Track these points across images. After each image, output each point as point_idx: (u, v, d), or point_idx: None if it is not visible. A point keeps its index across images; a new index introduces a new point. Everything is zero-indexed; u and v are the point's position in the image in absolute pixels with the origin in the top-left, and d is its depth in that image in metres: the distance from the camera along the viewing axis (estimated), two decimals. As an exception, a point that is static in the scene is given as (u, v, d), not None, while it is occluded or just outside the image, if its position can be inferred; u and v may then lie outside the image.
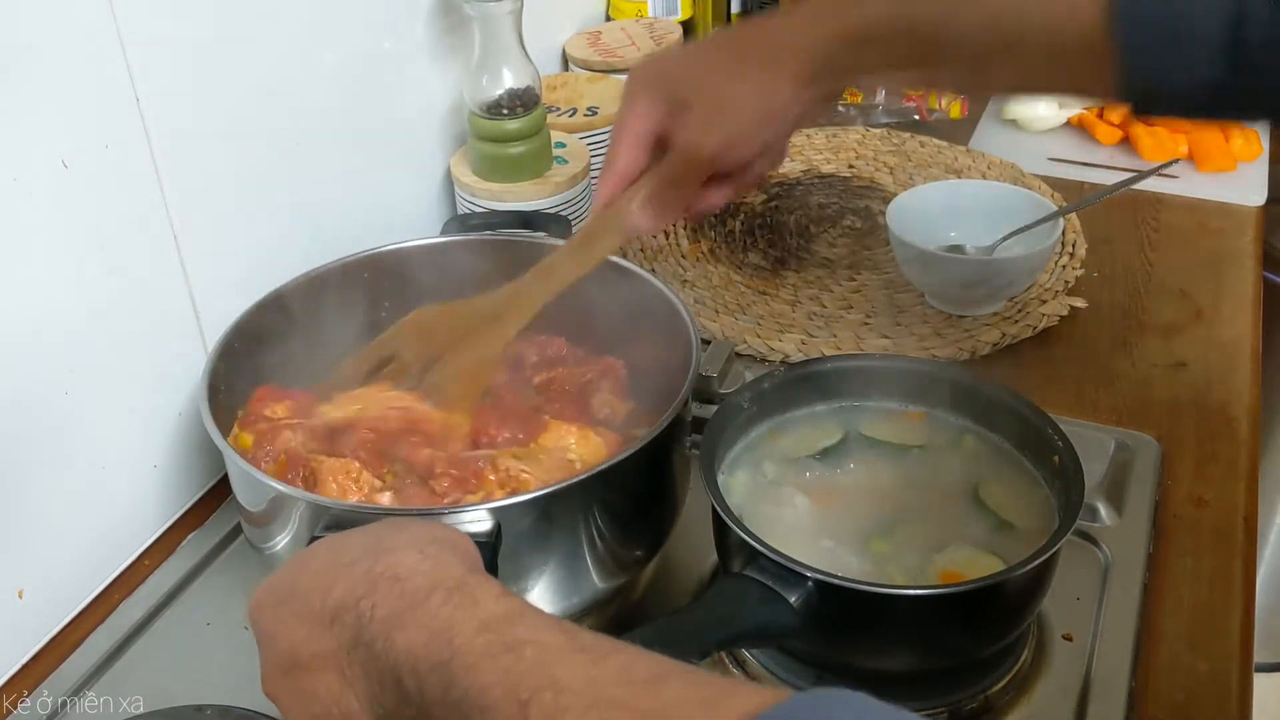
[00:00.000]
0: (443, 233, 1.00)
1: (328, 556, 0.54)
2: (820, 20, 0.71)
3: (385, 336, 0.84)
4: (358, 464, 0.74)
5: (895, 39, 0.70)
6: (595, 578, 0.74)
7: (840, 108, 1.40)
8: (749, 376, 0.89)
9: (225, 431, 0.75)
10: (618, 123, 0.74)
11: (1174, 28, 0.61)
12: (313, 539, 0.63)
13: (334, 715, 0.50)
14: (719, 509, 0.70)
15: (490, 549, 0.65)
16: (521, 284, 0.79)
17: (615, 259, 0.91)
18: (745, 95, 0.71)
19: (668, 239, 1.19)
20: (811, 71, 0.71)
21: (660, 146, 0.73)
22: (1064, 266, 1.12)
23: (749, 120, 0.71)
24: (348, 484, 0.73)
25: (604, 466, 0.70)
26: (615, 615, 0.79)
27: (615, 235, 0.77)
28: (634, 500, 0.74)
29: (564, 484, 0.69)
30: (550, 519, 0.70)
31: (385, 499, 0.73)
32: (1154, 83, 0.63)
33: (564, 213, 1.06)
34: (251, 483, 0.73)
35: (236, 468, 0.73)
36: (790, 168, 1.31)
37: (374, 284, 0.91)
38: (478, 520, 0.66)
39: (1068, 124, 1.37)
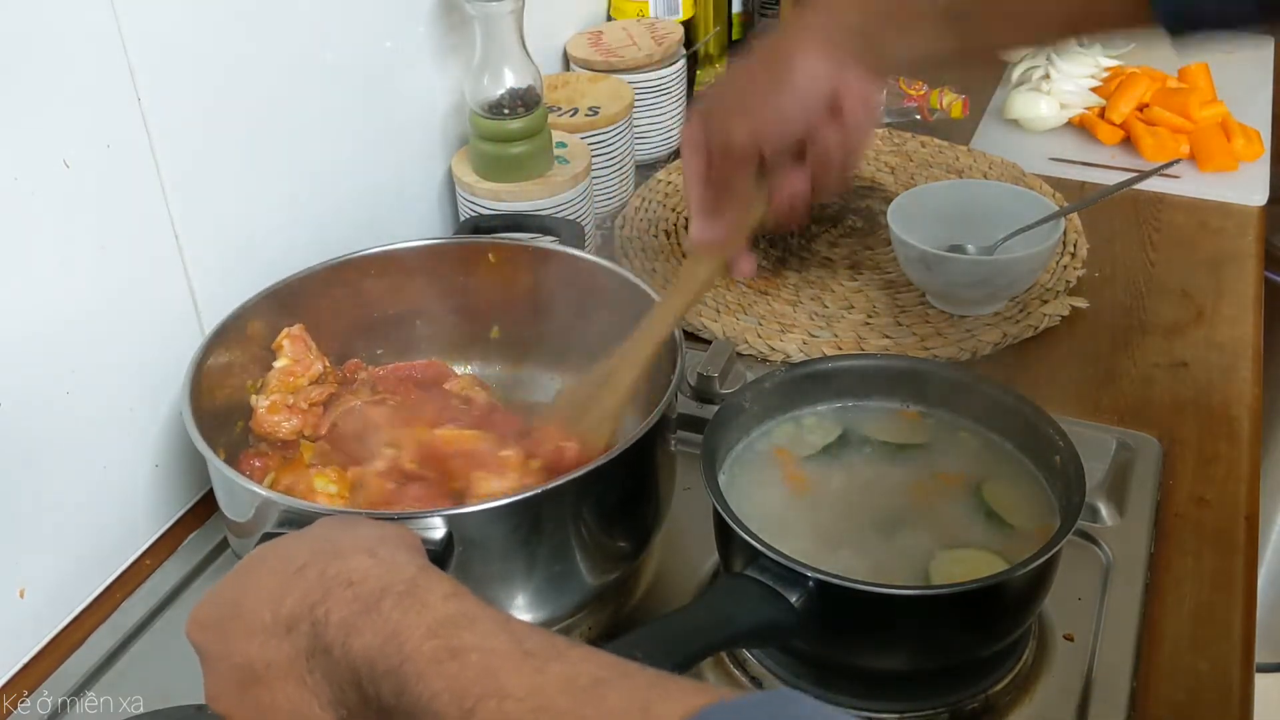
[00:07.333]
0: (455, 235, 1.00)
1: (273, 564, 0.54)
2: None
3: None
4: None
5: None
6: (586, 576, 0.75)
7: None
8: (750, 376, 0.89)
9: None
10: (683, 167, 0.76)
11: None
12: (264, 537, 0.62)
13: None
14: (720, 509, 0.70)
15: (438, 559, 0.64)
16: (631, 339, 0.79)
17: (588, 255, 0.91)
18: (767, 76, 0.72)
19: (669, 239, 1.19)
20: (831, 39, 0.71)
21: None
22: (1065, 266, 1.12)
23: (773, 103, 0.71)
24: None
25: (574, 476, 0.69)
26: (615, 616, 0.79)
27: (693, 265, 0.78)
28: (611, 507, 0.74)
29: (530, 493, 0.69)
30: (516, 526, 0.70)
31: None
32: None
33: (565, 213, 1.06)
34: (235, 490, 0.73)
35: (220, 475, 0.73)
36: (791, 167, 1.31)
37: (375, 284, 0.91)
38: (431, 528, 0.65)
39: (1069, 124, 1.37)
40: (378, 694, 0.47)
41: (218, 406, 0.80)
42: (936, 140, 1.35)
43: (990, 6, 0.70)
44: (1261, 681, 0.77)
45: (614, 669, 0.43)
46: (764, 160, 0.73)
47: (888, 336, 1.04)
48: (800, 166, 0.74)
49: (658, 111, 1.32)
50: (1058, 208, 1.06)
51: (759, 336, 1.04)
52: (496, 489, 0.73)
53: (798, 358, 1.02)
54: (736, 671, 0.75)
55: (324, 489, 0.76)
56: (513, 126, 1.04)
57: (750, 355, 1.04)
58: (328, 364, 0.86)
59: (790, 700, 0.39)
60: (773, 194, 0.75)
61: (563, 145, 1.11)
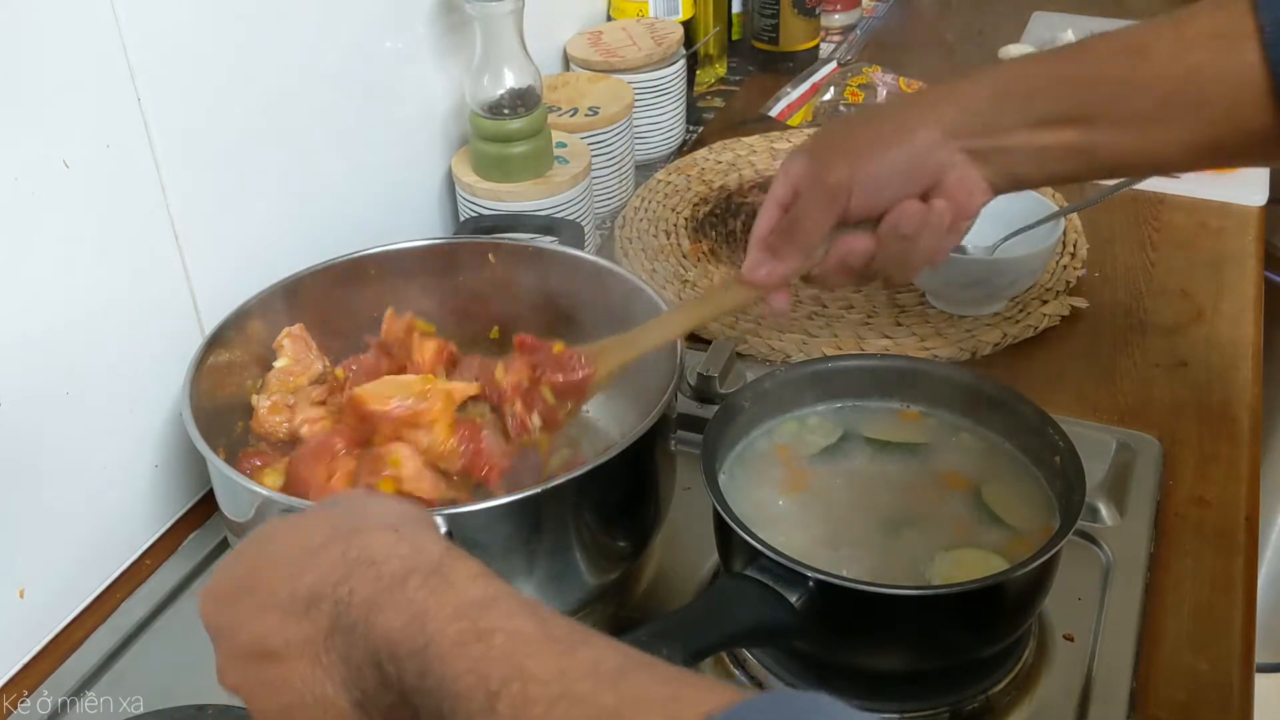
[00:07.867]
0: (455, 235, 1.00)
1: (289, 540, 0.52)
2: (967, 78, 0.74)
3: None
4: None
5: (1039, 90, 0.70)
6: (586, 575, 0.75)
7: (841, 108, 1.40)
8: (750, 376, 0.89)
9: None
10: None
11: None
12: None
13: (307, 703, 0.49)
14: (720, 509, 0.70)
15: None
16: (635, 331, 0.79)
17: (588, 255, 0.91)
18: (884, 132, 0.72)
19: (669, 239, 1.19)
20: (953, 122, 0.71)
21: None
22: (1065, 266, 1.12)
23: (879, 155, 0.72)
24: None
25: (574, 475, 0.69)
26: (615, 615, 0.79)
27: (735, 289, 0.78)
28: (611, 507, 0.75)
29: (530, 492, 0.68)
30: (521, 523, 0.70)
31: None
32: None
33: (565, 213, 1.06)
34: (235, 490, 0.73)
35: (220, 475, 0.73)
36: (791, 167, 1.31)
37: (375, 284, 0.91)
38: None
39: (1069, 124, 1.37)
40: (399, 674, 0.46)
41: (218, 406, 0.80)
42: (936, 140, 1.35)
43: (1119, 107, 0.69)
44: (1261, 681, 0.77)
45: (639, 659, 0.43)
46: (846, 213, 0.73)
47: (888, 336, 1.04)
48: (870, 232, 0.74)
49: (658, 111, 1.32)
50: (1058, 208, 1.06)
51: (758, 336, 1.04)
52: (422, 441, 0.73)
53: (797, 358, 1.02)
54: (737, 671, 0.75)
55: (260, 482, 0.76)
56: (513, 126, 1.04)
57: (750, 355, 1.04)
58: (328, 364, 0.86)
59: (826, 701, 0.39)
60: (832, 246, 0.74)
61: (563, 145, 1.11)
